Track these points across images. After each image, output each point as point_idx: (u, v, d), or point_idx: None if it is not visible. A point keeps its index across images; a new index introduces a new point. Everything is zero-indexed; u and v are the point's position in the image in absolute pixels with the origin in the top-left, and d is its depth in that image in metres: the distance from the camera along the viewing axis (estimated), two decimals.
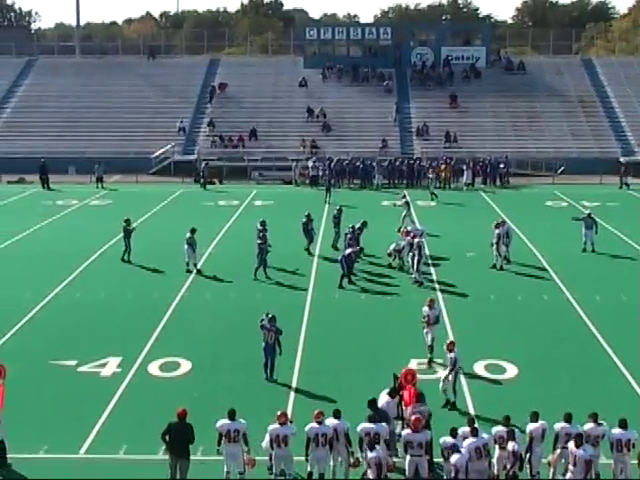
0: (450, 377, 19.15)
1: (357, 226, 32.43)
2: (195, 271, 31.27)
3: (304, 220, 34.59)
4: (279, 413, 16.01)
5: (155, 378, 21.65)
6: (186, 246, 31.42)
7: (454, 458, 14.94)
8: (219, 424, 15.95)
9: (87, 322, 26.13)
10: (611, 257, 33.80)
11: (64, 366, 22.30)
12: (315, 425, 15.83)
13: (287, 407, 19.41)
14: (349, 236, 31.65)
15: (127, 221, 33.56)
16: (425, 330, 22.28)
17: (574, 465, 15.07)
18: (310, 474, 15.80)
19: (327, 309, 27.35)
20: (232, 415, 15.93)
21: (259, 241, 30.99)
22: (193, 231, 31.62)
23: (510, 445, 15.26)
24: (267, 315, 21.48)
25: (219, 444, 15.87)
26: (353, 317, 26.53)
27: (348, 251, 29.83)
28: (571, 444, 15.24)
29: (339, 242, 34.05)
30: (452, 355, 19.23)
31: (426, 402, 17.17)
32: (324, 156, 55.63)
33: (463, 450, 15.04)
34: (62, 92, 66.30)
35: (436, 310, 22.64)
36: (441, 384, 19.27)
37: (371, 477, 15.04)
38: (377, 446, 15.23)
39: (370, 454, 15.12)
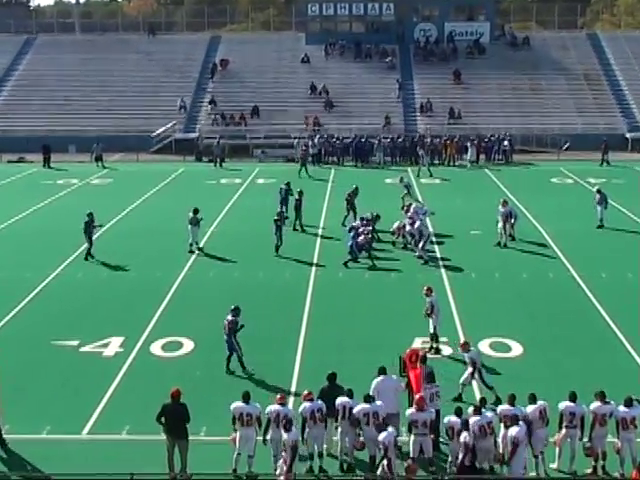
0: (476, 375, 18.70)
1: (369, 218, 31.99)
2: (197, 250, 31.20)
3: (296, 197, 34.58)
4: (278, 395, 16.00)
5: (158, 358, 21.65)
6: (189, 226, 31.35)
7: (381, 436, 14.98)
8: (233, 406, 15.92)
9: (89, 302, 26.12)
10: (617, 234, 33.68)
11: (66, 346, 22.29)
12: (308, 404, 15.86)
13: (291, 386, 19.45)
14: (362, 223, 31.16)
15: (89, 215, 30.82)
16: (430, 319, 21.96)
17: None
18: (311, 455, 15.81)
19: (331, 287, 27.30)
20: (246, 398, 15.89)
21: (275, 217, 30.97)
22: (196, 211, 31.53)
23: (462, 435, 15.11)
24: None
25: (234, 423, 15.85)
26: (357, 295, 26.49)
27: (361, 238, 29.70)
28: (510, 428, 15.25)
29: (346, 220, 33.88)
30: (469, 355, 18.81)
31: (437, 382, 17.15)
32: (325, 133, 55.51)
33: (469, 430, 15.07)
34: (62, 70, 65.98)
35: (433, 297, 21.89)
36: (462, 378, 18.96)
37: (287, 460, 14.91)
38: (293, 428, 15.18)
39: (285, 435, 15.04)
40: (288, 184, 36.39)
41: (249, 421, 15.70)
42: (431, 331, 21.73)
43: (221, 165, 52.10)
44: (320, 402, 15.97)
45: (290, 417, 15.59)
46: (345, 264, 29.33)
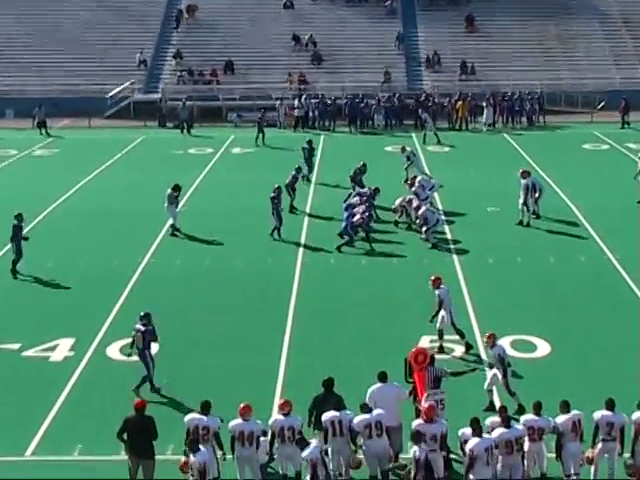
0: (499, 376, 18.77)
1: (368, 192, 31.98)
2: (170, 232, 31.36)
3: (293, 173, 34.50)
4: (242, 405, 15.91)
5: (116, 362, 21.64)
6: (166, 205, 31.37)
7: (305, 453, 15.15)
8: (187, 418, 15.96)
9: (32, 297, 26.09)
10: None
11: (5, 350, 22.24)
12: (280, 417, 15.88)
13: (274, 395, 19.48)
14: (358, 200, 31.17)
15: (18, 217, 28.13)
16: (441, 314, 21.99)
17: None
18: (285, 476, 15.82)
19: (321, 276, 27.33)
20: (205, 409, 15.88)
21: (272, 194, 30.92)
22: (175, 188, 31.75)
23: (412, 450, 15.17)
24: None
25: (186, 443, 15.73)
26: (352, 286, 26.53)
27: (356, 218, 29.65)
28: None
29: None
30: (495, 351, 18.76)
31: (442, 388, 17.17)
32: (313, 92, 55.42)
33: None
34: None
35: (442, 290, 22.00)
36: (486, 383, 19.03)
37: None
38: (201, 447, 15.12)
39: (192, 458, 14.96)
40: (310, 142, 40.00)
41: (205, 436, 15.66)
42: (438, 327, 21.81)
43: (189, 131, 52.00)
44: (295, 418, 15.91)
45: (257, 434, 15.59)
46: (338, 248, 29.32)
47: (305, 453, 15.17)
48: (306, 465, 15.19)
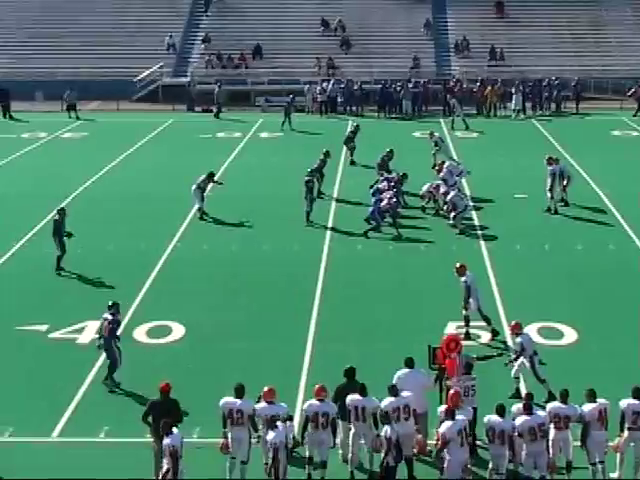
0: (527, 364, 18.61)
1: (395, 179, 31.92)
2: (199, 216, 31.35)
3: (320, 157, 34.29)
4: (266, 389, 15.91)
5: (142, 345, 21.71)
6: (194, 187, 31.37)
7: (270, 436, 15.16)
8: (222, 402, 15.92)
9: (60, 280, 26.18)
10: None
11: (33, 332, 22.35)
12: (315, 402, 15.83)
13: (299, 380, 19.51)
14: (386, 185, 31.08)
15: (60, 211, 27.25)
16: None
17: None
18: (310, 459, 15.80)
19: (348, 262, 27.29)
20: (239, 392, 15.84)
21: (306, 178, 30.99)
22: (211, 176, 32.01)
23: (383, 430, 15.17)
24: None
25: (224, 426, 15.80)
26: (379, 272, 26.46)
27: (384, 203, 29.58)
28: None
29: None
30: (518, 340, 18.70)
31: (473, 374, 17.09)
32: (342, 78, 55.28)
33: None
34: (25, 0, 65.67)
35: (468, 277, 21.91)
36: (513, 370, 18.96)
37: (169, 466, 14.75)
38: (174, 430, 14.91)
39: (165, 440, 14.84)
40: (357, 127, 40.52)
41: (239, 419, 15.67)
42: (465, 313, 21.75)
43: (217, 115, 51.99)
44: (330, 404, 15.89)
45: (282, 417, 15.53)
46: (365, 234, 29.28)
47: (270, 437, 15.15)
48: (269, 449, 15.17)
